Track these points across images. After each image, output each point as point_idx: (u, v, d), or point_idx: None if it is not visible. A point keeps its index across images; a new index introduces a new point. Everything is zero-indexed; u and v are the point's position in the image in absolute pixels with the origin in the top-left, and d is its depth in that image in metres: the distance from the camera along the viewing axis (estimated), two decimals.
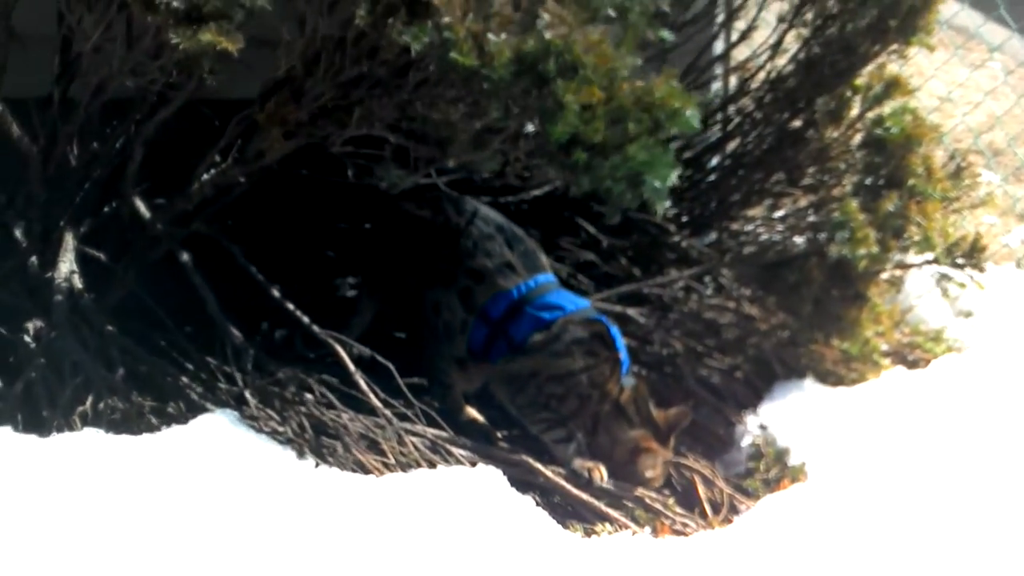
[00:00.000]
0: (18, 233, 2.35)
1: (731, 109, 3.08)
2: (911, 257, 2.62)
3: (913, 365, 2.66)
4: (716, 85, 3.25)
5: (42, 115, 2.30)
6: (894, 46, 2.73)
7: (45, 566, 1.55)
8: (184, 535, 1.64)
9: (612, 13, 2.08)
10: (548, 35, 1.97)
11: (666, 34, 2.17)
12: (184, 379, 2.22)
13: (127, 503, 1.68)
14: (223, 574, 1.60)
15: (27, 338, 2.16)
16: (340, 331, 2.37)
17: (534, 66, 1.98)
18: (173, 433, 1.90)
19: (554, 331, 2.37)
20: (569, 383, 2.34)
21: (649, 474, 2.32)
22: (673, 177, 2.01)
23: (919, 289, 2.96)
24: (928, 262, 2.59)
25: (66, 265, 2.23)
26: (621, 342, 2.39)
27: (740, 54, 3.17)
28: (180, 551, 1.62)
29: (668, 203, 2.04)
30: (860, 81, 2.72)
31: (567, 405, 2.34)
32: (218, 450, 1.87)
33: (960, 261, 2.56)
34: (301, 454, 1.98)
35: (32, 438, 1.81)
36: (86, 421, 1.99)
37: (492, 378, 2.47)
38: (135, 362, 2.20)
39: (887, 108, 2.67)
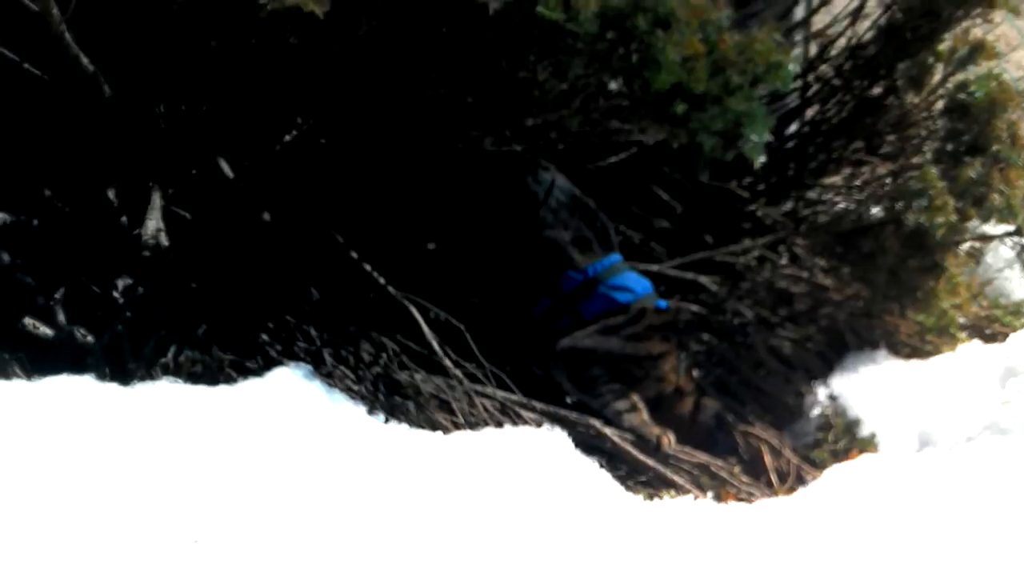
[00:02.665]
0: (110, 194, 2.44)
1: (810, 76, 3.04)
2: (992, 227, 2.56)
3: (991, 339, 2.62)
4: (796, 52, 3.20)
5: (132, 78, 2.38)
6: (978, 9, 2.65)
7: (118, 507, 1.62)
8: (254, 481, 1.70)
9: None
10: None
11: None
12: (264, 336, 2.29)
13: (199, 449, 1.74)
14: (285, 520, 1.65)
15: (115, 294, 2.25)
16: (417, 293, 2.41)
17: (621, 21, 1.99)
18: (249, 385, 1.96)
19: (631, 314, 2.39)
20: (648, 366, 2.36)
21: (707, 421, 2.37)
22: (768, 133, 2.01)
23: (1000, 262, 2.90)
24: (1009, 233, 2.53)
25: (153, 223, 2.31)
26: None
27: (820, 21, 3.11)
28: (248, 497, 1.67)
29: (763, 158, 2.04)
30: (943, 46, 2.67)
31: (646, 388, 2.36)
32: (290, 402, 1.93)
33: None
34: (372, 410, 2.03)
35: (113, 386, 1.88)
36: (167, 372, 2.07)
37: (553, 354, 2.49)
38: (217, 318, 2.27)
39: (971, 73, 2.61)
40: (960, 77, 2.64)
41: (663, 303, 2.44)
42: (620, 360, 2.38)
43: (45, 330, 2.22)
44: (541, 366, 2.51)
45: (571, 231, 2.44)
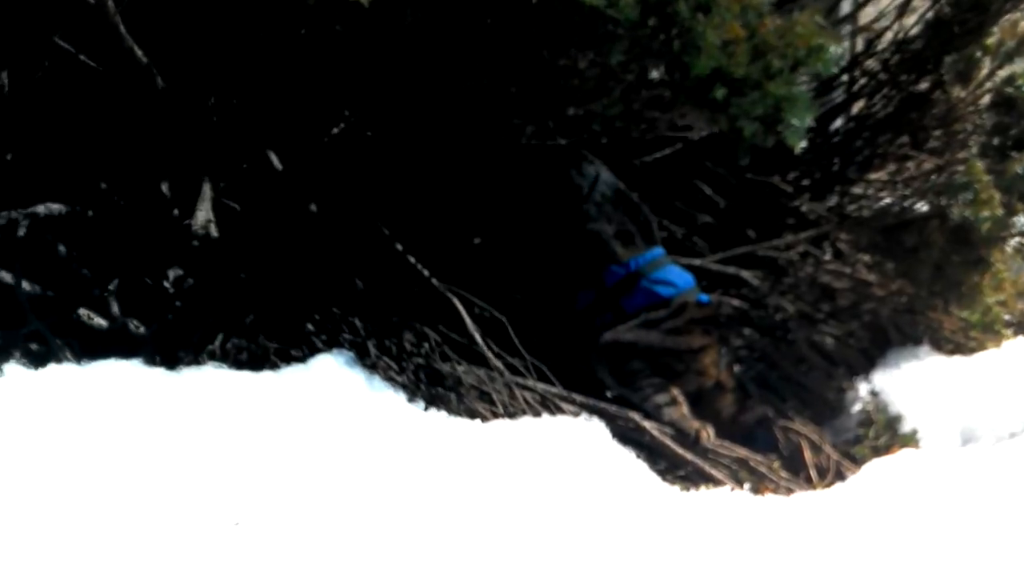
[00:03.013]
0: (164, 187, 2.49)
1: (856, 71, 3.03)
2: None
3: None
4: (843, 46, 3.18)
5: (184, 69, 2.43)
6: None
7: (161, 487, 1.66)
8: (294, 465, 1.74)
9: None
10: None
11: None
12: (309, 326, 2.33)
13: (241, 432, 1.78)
14: (326, 504, 1.69)
15: (166, 284, 2.31)
16: (461, 286, 2.44)
17: (663, 6, 2.00)
18: (292, 372, 2.00)
19: (673, 308, 2.40)
20: (689, 360, 2.37)
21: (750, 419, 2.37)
22: (810, 118, 2.01)
23: None
24: None
25: (203, 214, 2.36)
26: None
27: (867, 15, 3.09)
28: (287, 482, 1.71)
29: (803, 143, 2.04)
30: (991, 40, 2.64)
31: (686, 382, 2.38)
32: (331, 388, 1.97)
33: None
34: (412, 398, 2.06)
35: (159, 371, 1.93)
36: (214, 358, 2.11)
37: (596, 347, 2.50)
38: (264, 308, 2.31)
39: (1019, 67, 2.59)
40: (1007, 71, 2.62)
41: (705, 297, 2.45)
42: (661, 354, 2.39)
43: (99, 321, 2.28)
44: (583, 359, 2.53)
45: (614, 225, 2.45)
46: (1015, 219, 2.51)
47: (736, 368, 2.45)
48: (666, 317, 2.40)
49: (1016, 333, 2.60)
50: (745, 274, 2.74)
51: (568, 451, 1.94)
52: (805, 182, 2.97)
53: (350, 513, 1.69)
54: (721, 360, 2.41)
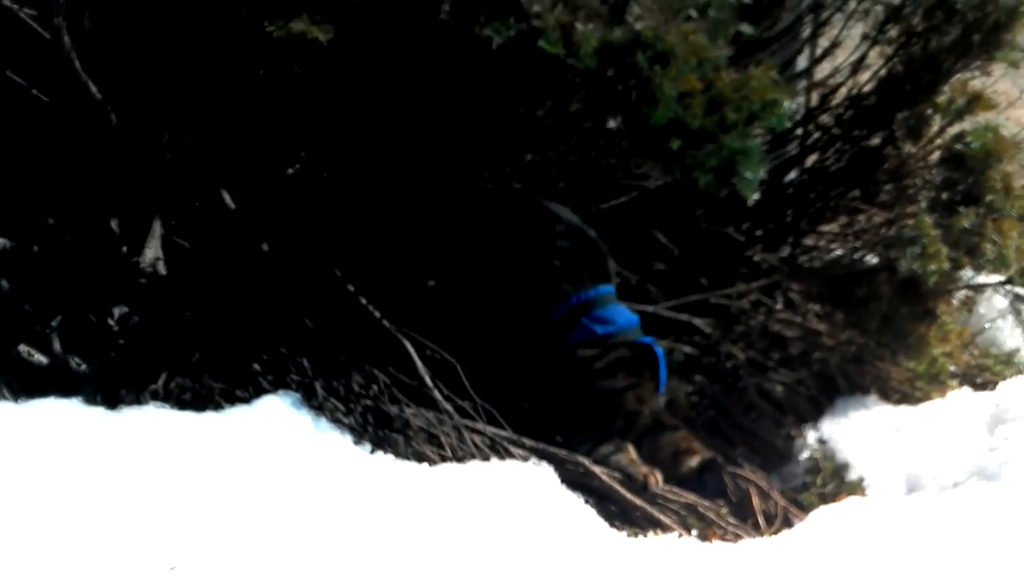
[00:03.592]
0: (113, 224, 2.47)
1: (811, 125, 3.07)
2: (985, 277, 2.57)
3: (981, 387, 2.62)
4: (798, 101, 3.23)
5: (139, 107, 2.42)
6: (978, 62, 2.69)
7: (98, 530, 1.62)
8: (236, 508, 1.71)
9: (694, 13, 2.12)
10: (638, 26, 2.01)
11: (747, 27, 2.19)
12: (256, 366, 2.30)
13: (182, 473, 1.75)
14: (268, 548, 1.66)
15: (110, 321, 2.28)
16: (413, 329, 2.42)
17: (622, 56, 2.02)
18: (236, 412, 1.98)
19: (602, 349, 2.39)
20: (613, 400, 2.36)
21: (695, 465, 2.34)
22: (763, 171, 2.03)
23: (992, 312, 2.91)
24: (1002, 283, 2.54)
25: (152, 251, 2.34)
26: (664, 364, 2.41)
27: (822, 71, 3.15)
28: (229, 524, 1.68)
29: (756, 195, 2.06)
30: (942, 98, 2.69)
31: (615, 424, 2.36)
32: (278, 430, 1.94)
33: None
34: (359, 440, 2.04)
35: (99, 410, 1.90)
36: (156, 398, 2.08)
37: (537, 398, 2.49)
38: (210, 347, 2.28)
39: (968, 124, 2.64)
40: (957, 128, 2.67)
41: (648, 339, 2.44)
42: (588, 400, 2.37)
43: (39, 357, 2.24)
44: (532, 399, 2.52)
45: (563, 258, 2.46)
46: (961, 273, 2.55)
47: (685, 409, 2.42)
48: (594, 357, 2.39)
49: (961, 384, 2.62)
50: (697, 321, 2.75)
51: (516, 497, 1.93)
52: (758, 232, 3.00)
53: (293, 559, 1.66)
54: (657, 400, 2.38)
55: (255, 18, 2.12)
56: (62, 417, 1.86)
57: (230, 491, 1.76)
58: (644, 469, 2.29)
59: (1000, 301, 2.67)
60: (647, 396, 2.37)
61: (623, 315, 2.46)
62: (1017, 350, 2.84)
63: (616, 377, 2.38)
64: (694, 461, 2.34)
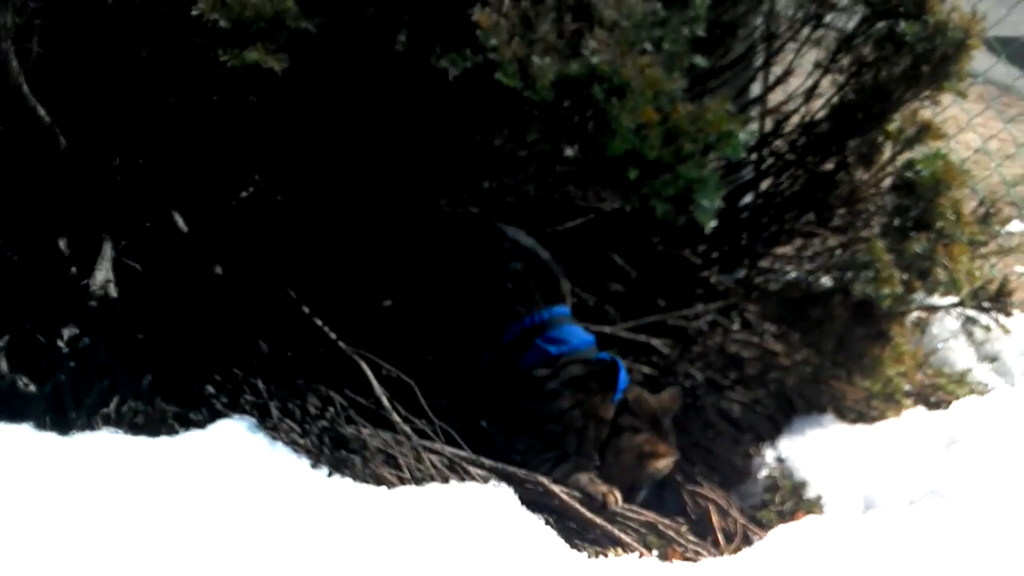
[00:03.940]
0: (62, 244, 2.43)
1: (765, 151, 3.11)
2: (937, 299, 2.61)
3: (935, 406, 2.65)
4: (752, 127, 3.28)
5: (89, 130, 2.39)
6: (927, 92, 2.74)
7: (50, 560, 1.58)
8: (190, 535, 1.67)
9: (649, 47, 2.15)
10: (595, 60, 2.03)
11: (701, 60, 2.22)
12: (210, 388, 2.27)
13: (137, 500, 1.71)
14: (226, 573, 1.63)
15: (60, 343, 2.23)
16: (369, 349, 2.40)
17: (578, 89, 2.04)
18: (190, 437, 1.94)
19: (555, 369, 2.38)
20: (564, 420, 2.35)
21: (662, 469, 2.33)
22: (719, 199, 2.05)
23: (945, 333, 2.95)
24: (954, 305, 2.58)
25: (102, 274, 2.30)
26: (624, 374, 2.40)
27: (776, 98, 3.20)
28: (184, 551, 1.64)
29: (714, 223, 2.08)
30: (892, 126, 2.74)
31: (567, 443, 2.35)
32: (233, 454, 1.91)
33: (986, 304, 2.55)
34: (316, 463, 2.01)
35: (50, 435, 1.86)
36: (108, 422, 2.04)
37: (491, 420, 2.47)
38: (162, 370, 2.25)
39: (918, 152, 2.69)
40: (908, 156, 2.71)
41: (604, 355, 2.44)
42: (540, 421, 2.36)
43: None
44: (487, 422, 2.50)
45: (516, 280, 2.45)
46: (914, 296, 2.58)
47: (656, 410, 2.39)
48: (546, 378, 2.38)
49: (916, 403, 2.65)
50: (655, 342, 2.76)
51: (476, 519, 1.91)
52: (714, 255, 3.03)
53: None
54: (610, 408, 2.36)
55: (209, 46, 2.11)
56: (12, 442, 1.81)
57: (187, 517, 1.72)
58: (603, 488, 2.27)
59: (952, 322, 2.71)
60: (596, 410, 2.35)
61: (577, 335, 2.45)
62: (969, 370, 2.88)
63: (564, 397, 2.36)
64: (661, 463, 2.31)
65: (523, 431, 2.39)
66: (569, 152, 2.24)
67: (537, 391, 2.38)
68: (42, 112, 2.30)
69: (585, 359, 2.41)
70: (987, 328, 2.58)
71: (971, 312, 2.59)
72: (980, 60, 2.98)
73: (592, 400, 2.35)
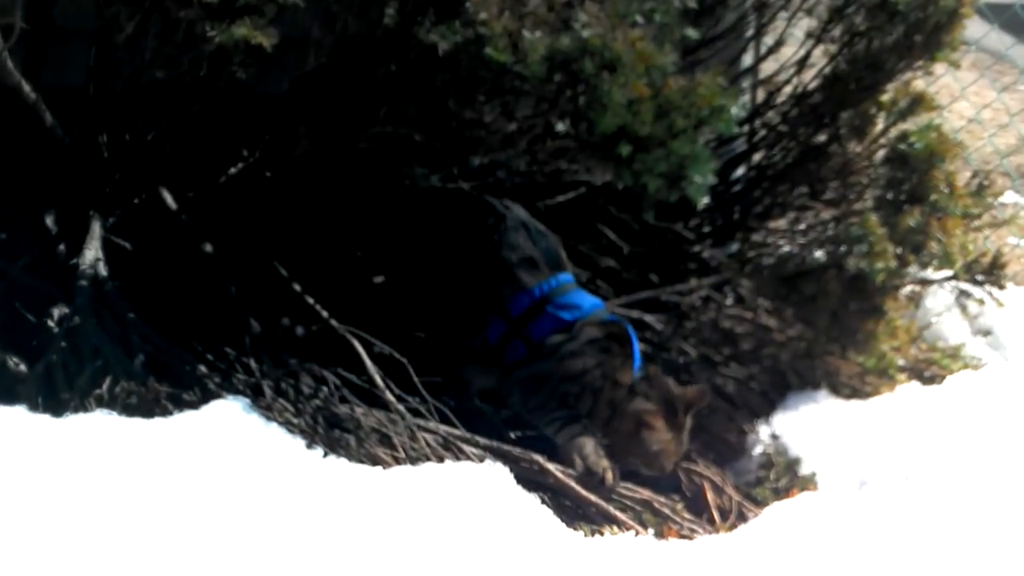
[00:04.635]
0: (49, 221, 2.41)
1: (757, 122, 3.09)
2: (930, 273, 2.61)
3: (929, 381, 2.65)
4: (743, 98, 3.26)
5: (76, 106, 2.36)
6: (920, 62, 2.72)
7: (46, 544, 1.57)
8: (185, 517, 1.67)
9: (640, 19, 2.12)
10: (585, 34, 2.00)
11: (692, 32, 2.20)
12: (202, 368, 2.25)
13: (132, 482, 1.71)
14: (221, 557, 1.62)
15: (51, 323, 2.22)
16: (361, 327, 2.39)
17: (568, 64, 2.02)
18: (185, 418, 1.93)
19: (572, 332, 2.38)
20: (583, 381, 2.35)
21: (655, 447, 2.30)
22: (712, 175, 2.03)
23: (938, 307, 2.95)
24: (947, 278, 2.58)
25: (91, 252, 2.28)
26: (636, 343, 2.40)
27: (768, 68, 3.17)
28: (180, 533, 1.64)
29: (706, 199, 2.07)
30: (885, 97, 2.72)
31: (582, 403, 2.35)
32: (227, 435, 1.90)
33: (979, 278, 2.55)
34: (311, 444, 2.01)
35: (45, 417, 1.85)
36: (101, 404, 2.03)
37: (505, 381, 2.48)
38: (155, 349, 2.23)
39: (912, 124, 2.67)
40: (901, 128, 2.70)
41: (614, 317, 2.44)
42: (558, 381, 2.36)
43: None
44: (497, 395, 2.49)
45: (518, 252, 2.44)
46: (908, 270, 2.58)
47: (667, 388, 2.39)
48: (564, 341, 2.38)
49: (910, 378, 2.65)
50: (648, 318, 2.75)
51: (471, 499, 1.91)
52: (707, 229, 3.02)
53: (248, 566, 1.62)
54: (630, 374, 2.36)
55: (196, 20, 2.08)
56: (7, 424, 1.80)
57: (183, 499, 1.71)
58: (604, 464, 2.26)
59: (946, 296, 2.71)
60: (617, 372, 2.34)
61: (587, 300, 2.46)
62: (963, 344, 2.88)
63: (586, 356, 2.35)
64: (654, 444, 2.30)
65: (538, 391, 2.38)
66: (560, 127, 2.23)
67: (555, 355, 2.37)
68: (27, 88, 2.27)
69: (600, 320, 2.41)
70: (981, 302, 2.58)
71: (965, 286, 2.59)
72: (973, 28, 2.96)
73: (613, 362, 2.34)
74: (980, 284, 2.56)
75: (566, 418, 2.35)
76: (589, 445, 2.29)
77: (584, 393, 2.34)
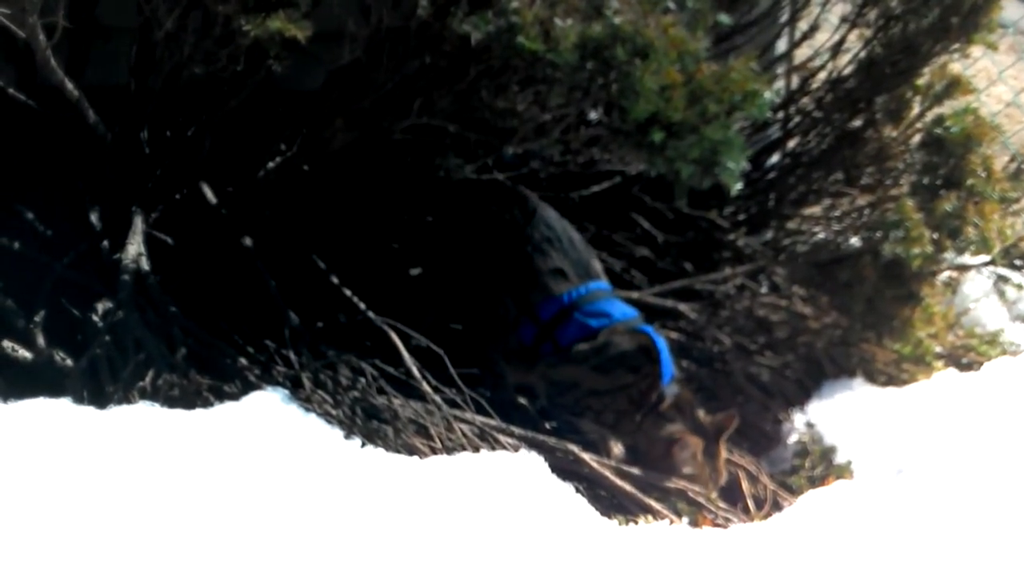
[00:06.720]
0: (93, 218, 2.45)
1: (791, 109, 3.08)
2: (967, 259, 2.59)
3: (967, 368, 2.63)
4: (778, 84, 3.24)
5: (118, 103, 2.40)
6: (956, 45, 2.70)
7: (93, 532, 1.61)
8: (226, 506, 1.70)
9: (672, 5, 2.12)
10: (617, 21, 2.01)
11: (725, 18, 2.19)
12: (243, 360, 2.29)
13: (174, 472, 1.74)
14: (262, 544, 1.65)
15: (95, 317, 2.26)
16: (398, 319, 2.42)
17: (600, 51, 2.02)
18: (225, 408, 1.96)
19: (599, 341, 2.39)
20: (607, 400, 2.36)
21: (687, 469, 2.31)
22: (745, 161, 2.04)
23: (976, 292, 2.93)
24: (985, 263, 2.56)
25: (134, 247, 2.32)
26: (666, 353, 2.39)
27: (802, 54, 3.16)
28: (221, 521, 1.67)
29: (740, 186, 2.07)
30: (921, 81, 2.70)
31: (604, 419, 2.37)
32: (267, 426, 1.93)
33: (1018, 263, 2.53)
34: (349, 434, 2.04)
35: (90, 410, 1.88)
36: (144, 396, 2.06)
37: (535, 378, 2.50)
38: (196, 343, 2.27)
39: (948, 108, 2.65)
40: (937, 112, 2.68)
41: (645, 328, 2.44)
42: (586, 393, 2.37)
43: (24, 353, 2.22)
44: (528, 391, 2.51)
45: (549, 261, 2.45)
46: (944, 255, 2.56)
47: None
48: (590, 352, 2.38)
49: (947, 365, 2.63)
50: (683, 307, 2.75)
51: (508, 488, 1.92)
52: (741, 217, 3.01)
53: (289, 555, 1.65)
54: (659, 391, 2.36)
55: (232, 15, 2.10)
56: (53, 417, 1.84)
57: (225, 489, 1.75)
58: (610, 441, 2.28)
59: (983, 282, 2.69)
60: (640, 393, 2.35)
61: (619, 309, 2.45)
62: (1001, 330, 2.85)
63: (612, 374, 2.36)
64: (688, 458, 2.31)
65: (563, 396, 2.40)
66: (593, 115, 2.24)
67: (583, 366, 2.39)
68: (70, 86, 2.31)
69: (627, 330, 2.41)
70: (1019, 287, 2.57)
71: (1003, 271, 2.57)
72: (1011, 10, 2.93)
73: (639, 384, 2.35)
74: (1018, 269, 2.54)
75: (589, 430, 2.37)
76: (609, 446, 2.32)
77: (606, 411, 2.36)
